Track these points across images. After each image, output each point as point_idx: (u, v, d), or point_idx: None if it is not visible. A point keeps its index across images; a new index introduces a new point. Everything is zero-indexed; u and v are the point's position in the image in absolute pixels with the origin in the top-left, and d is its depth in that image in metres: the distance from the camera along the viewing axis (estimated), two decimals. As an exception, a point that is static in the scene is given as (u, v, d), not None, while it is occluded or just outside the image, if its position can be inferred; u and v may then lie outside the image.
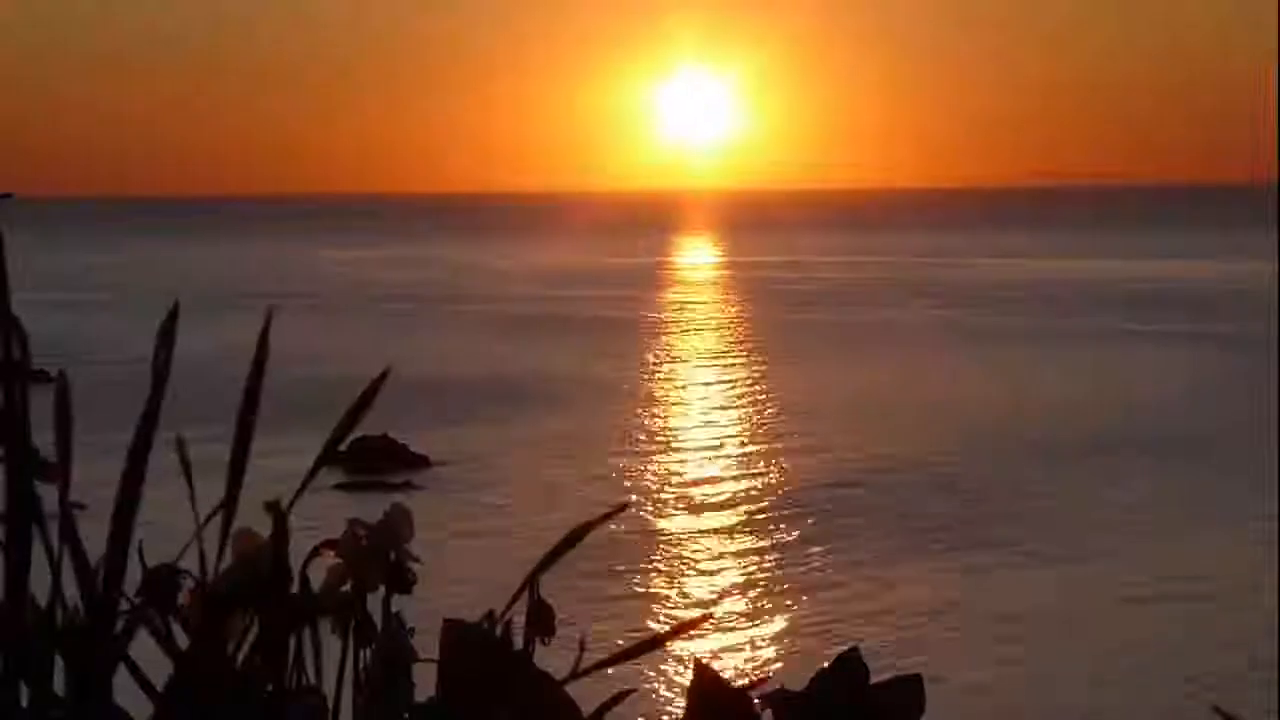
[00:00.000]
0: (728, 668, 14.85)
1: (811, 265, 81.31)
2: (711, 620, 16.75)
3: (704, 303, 60.45)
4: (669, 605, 17.31)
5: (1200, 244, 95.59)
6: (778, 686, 2.62)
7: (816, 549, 20.16)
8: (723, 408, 32.40)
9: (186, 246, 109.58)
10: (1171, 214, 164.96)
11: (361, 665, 2.19)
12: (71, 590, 1.95)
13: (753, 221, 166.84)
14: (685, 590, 18.27)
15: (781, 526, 21.44)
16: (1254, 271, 65.88)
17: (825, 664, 2.93)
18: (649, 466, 25.37)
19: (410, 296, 62.56)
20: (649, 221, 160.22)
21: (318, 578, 2.15)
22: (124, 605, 1.98)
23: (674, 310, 55.96)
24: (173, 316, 1.99)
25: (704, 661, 2.53)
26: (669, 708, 12.66)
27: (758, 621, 17.11)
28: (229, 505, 2.00)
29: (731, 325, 51.17)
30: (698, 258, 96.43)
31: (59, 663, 1.95)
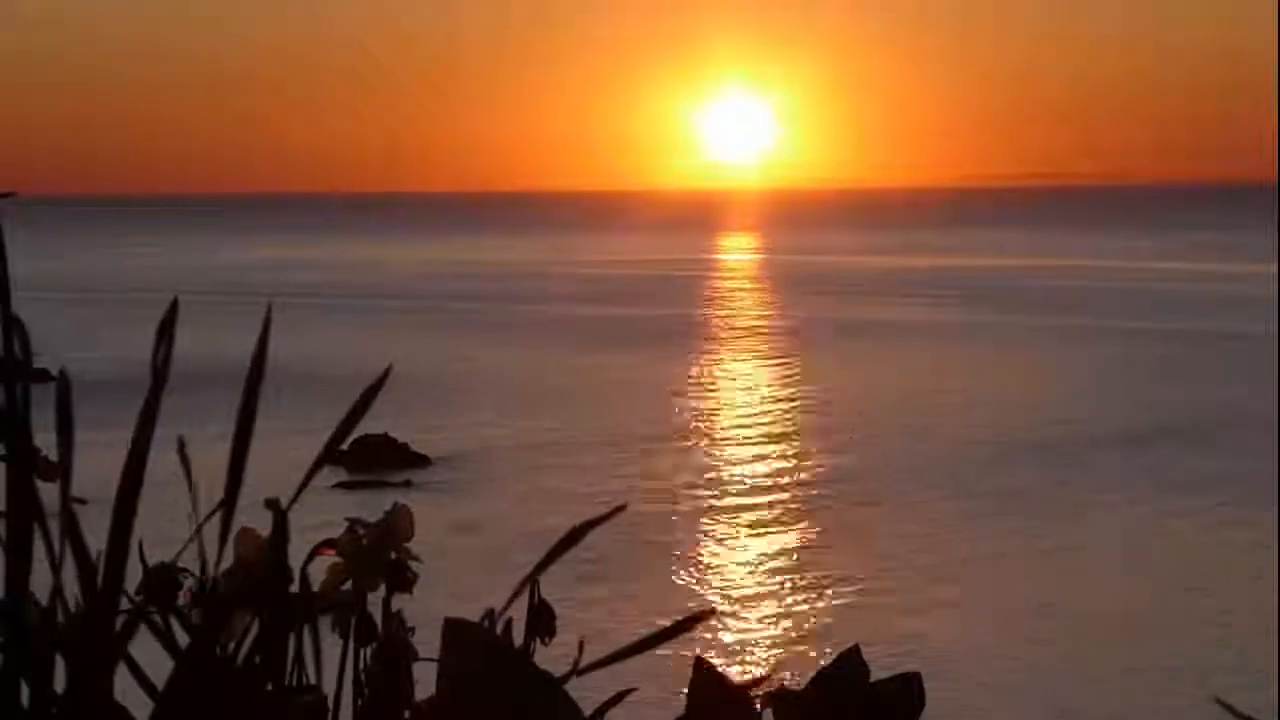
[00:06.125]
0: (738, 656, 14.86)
1: (828, 264, 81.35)
2: (716, 616, 16.73)
3: (709, 301, 60.43)
4: (669, 603, 17.31)
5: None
6: (778, 685, 2.62)
7: (813, 549, 20.17)
8: (724, 405, 32.39)
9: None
10: (1183, 214, 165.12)
11: (361, 665, 2.19)
12: (73, 589, 1.95)
13: (779, 220, 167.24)
14: (683, 588, 18.27)
15: (781, 525, 21.44)
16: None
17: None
18: (650, 465, 25.36)
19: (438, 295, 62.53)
20: (693, 219, 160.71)
21: (318, 577, 2.15)
22: (125, 604, 1.98)
23: (686, 309, 55.93)
24: (172, 312, 1.98)
25: (704, 659, 2.53)
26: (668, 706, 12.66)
27: (768, 616, 17.11)
28: (229, 504, 2.00)
29: (735, 323, 51.15)
30: (716, 254, 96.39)
31: (59, 662, 1.95)
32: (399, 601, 2.21)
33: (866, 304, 56.75)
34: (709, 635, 16.01)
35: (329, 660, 2.11)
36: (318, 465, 2.05)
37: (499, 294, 62.51)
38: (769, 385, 35.54)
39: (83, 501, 1.99)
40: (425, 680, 2.20)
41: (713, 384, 35.89)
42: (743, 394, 34.22)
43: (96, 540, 1.94)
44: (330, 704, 2.10)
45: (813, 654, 15.48)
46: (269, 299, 2.35)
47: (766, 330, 48.46)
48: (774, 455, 26.48)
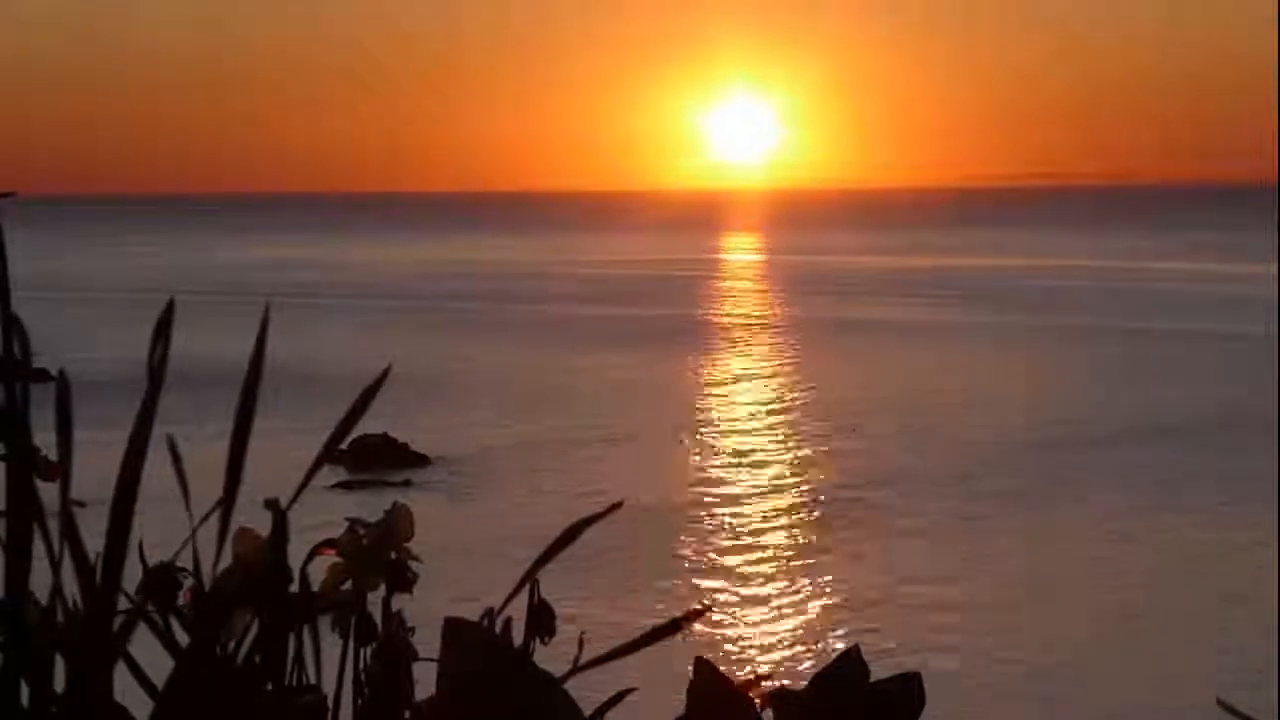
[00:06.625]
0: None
1: (828, 264, 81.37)
2: (711, 613, 16.73)
3: (710, 301, 60.44)
4: (666, 601, 17.31)
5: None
6: (778, 685, 2.62)
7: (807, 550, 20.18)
8: (724, 405, 32.39)
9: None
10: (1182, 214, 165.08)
11: (361, 665, 2.19)
12: (72, 588, 1.95)
13: (782, 220, 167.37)
14: (681, 587, 18.27)
15: (780, 524, 21.45)
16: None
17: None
18: (650, 464, 25.36)
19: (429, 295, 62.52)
20: (696, 219, 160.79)
21: (318, 577, 2.15)
22: (124, 603, 1.98)
23: (687, 309, 55.91)
24: (168, 313, 1.98)
25: (704, 658, 2.53)
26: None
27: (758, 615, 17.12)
28: (227, 503, 2.00)
29: (736, 323, 51.16)
30: (719, 254, 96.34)
31: (59, 661, 1.95)
32: (399, 601, 2.21)
33: (867, 304, 56.76)
34: (709, 635, 16.01)
35: (329, 660, 2.11)
36: (317, 465, 2.05)
37: (499, 294, 62.51)
38: (769, 385, 35.55)
39: (81, 504, 1.99)
40: (425, 680, 2.20)
41: (713, 384, 35.89)
42: (742, 393, 34.23)
43: (96, 541, 1.94)
44: (330, 704, 2.10)
45: (813, 654, 15.48)
46: (268, 299, 2.35)
47: (767, 330, 48.48)
48: (774, 454, 26.48)
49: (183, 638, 2.04)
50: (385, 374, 2.07)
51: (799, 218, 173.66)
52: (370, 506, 2.26)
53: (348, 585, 2.20)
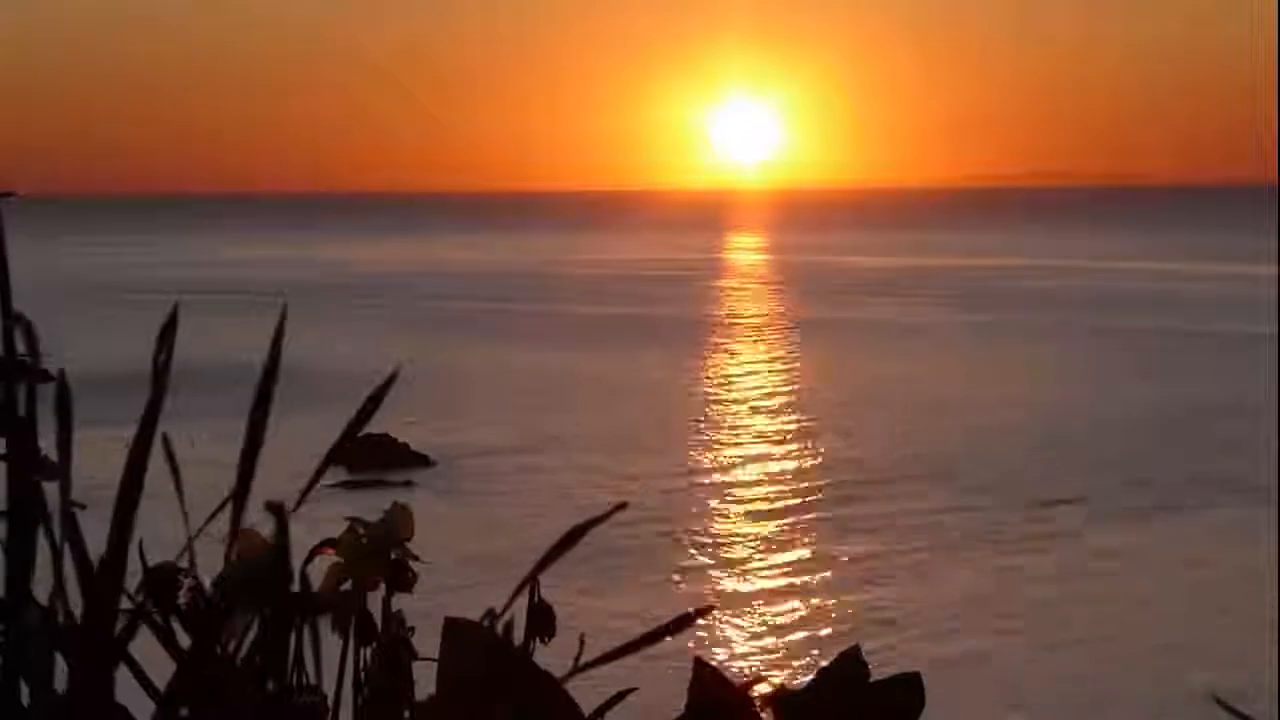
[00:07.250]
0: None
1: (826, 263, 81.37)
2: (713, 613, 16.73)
3: (711, 300, 60.45)
4: (667, 601, 17.31)
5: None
6: (778, 685, 2.63)
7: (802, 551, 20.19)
8: (725, 404, 32.39)
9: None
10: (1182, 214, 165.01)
11: (361, 664, 2.19)
12: (73, 589, 1.95)
13: (784, 220, 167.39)
14: (682, 587, 18.27)
15: (779, 525, 21.46)
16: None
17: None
18: (651, 464, 25.36)
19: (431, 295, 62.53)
20: (699, 220, 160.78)
21: (318, 577, 2.16)
22: (126, 604, 1.99)
23: (688, 308, 55.91)
24: (173, 316, 1.99)
25: (703, 659, 2.53)
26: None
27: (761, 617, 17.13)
28: (237, 503, 2.00)
29: (736, 322, 51.16)
30: (722, 254, 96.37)
31: (60, 662, 1.95)
32: (399, 601, 2.21)
33: (867, 304, 56.77)
34: (709, 634, 16.02)
35: (329, 660, 2.11)
36: (322, 468, 2.05)
37: (500, 294, 62.51)
38: (769, 384, 35.55)
39: (82, 506, 2.00)
40: (425, 680, 2.21)
41: (714, 383, 35.90)
42: (743, 393, 34.24)
43: (98, 542, 1.94)
44: (330, 704, 2.10)
45: (813, 654, 15.49)
46: (276, 296, 2.35)
47: (767, 329, 48.48)
48: (774, 454, 26.49)
49: (184, 639, 2.04)
50: (393, 377, 2.07)
51: (799, 217, 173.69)
52: (370, 506, 2.27)
53: (348, 585, 2.20)
